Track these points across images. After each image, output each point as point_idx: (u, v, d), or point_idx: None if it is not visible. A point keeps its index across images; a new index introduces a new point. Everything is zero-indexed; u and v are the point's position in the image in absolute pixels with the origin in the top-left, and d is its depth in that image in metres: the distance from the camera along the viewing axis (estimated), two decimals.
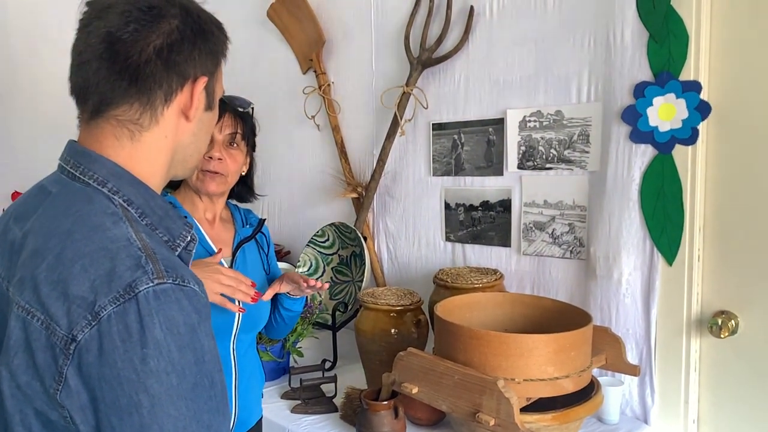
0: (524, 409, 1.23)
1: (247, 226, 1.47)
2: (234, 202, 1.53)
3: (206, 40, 0.77)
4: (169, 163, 0.79)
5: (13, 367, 0.64)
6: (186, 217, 1.32)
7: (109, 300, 0.61)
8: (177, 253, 0.75)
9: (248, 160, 1.45)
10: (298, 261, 2.19)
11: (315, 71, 2.27)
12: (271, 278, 1.51)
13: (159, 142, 0.76)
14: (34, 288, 0.64)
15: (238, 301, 1.28)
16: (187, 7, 0.76)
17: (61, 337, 0.62)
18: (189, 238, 0.77)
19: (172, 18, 0.73)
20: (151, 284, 0.63)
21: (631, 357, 1.55)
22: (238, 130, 1.37)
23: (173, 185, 1.42)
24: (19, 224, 0.74)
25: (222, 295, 1.25)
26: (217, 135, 1.35)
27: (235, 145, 1.37)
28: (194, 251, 0.79)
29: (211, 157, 1.33)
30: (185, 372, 0.62)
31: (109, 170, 0.73)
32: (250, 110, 1.41)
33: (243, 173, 1.44)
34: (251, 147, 1.45)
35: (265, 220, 1.53)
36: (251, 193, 1.52)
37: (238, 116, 1.38)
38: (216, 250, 1.36)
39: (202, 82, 0.77)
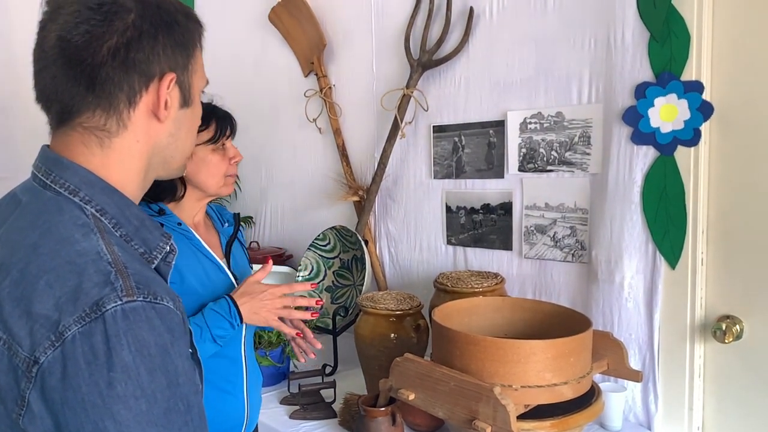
0: (523, 416, 1.21)
1: (226, 224, 1.47)
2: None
3: (170, 32, 0.71)
4: (147, 168, 0.74)
5: None
6: (181, 223, 1.31)
7: (74, 319, 0.58)
8: (154, 266, 0.71)
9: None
10: (300, 264, 2.18)
11: (316, 74, 2.27)
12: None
13: (131, 147, 0.72)
14: None
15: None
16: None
17: (23, 359, 0.58)
18: (167, 249, 0.73)
19: (127, 13, 0.68)
20: (120, 302, 0.59)
21: (634, 362, 1.52)
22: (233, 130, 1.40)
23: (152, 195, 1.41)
24: None
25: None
26: (226, 141, 1.37)
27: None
28: (174, 261, 0.75)
29: (236, 161, 1.37)
30: (156, 396, 0.58)
31: (82, 178, 0.69)
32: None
33: None
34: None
35: (239, 214, 1.53)
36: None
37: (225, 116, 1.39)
38: (215, 256, 1.35)
39: (169, 78, 0.71)
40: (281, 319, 1.33)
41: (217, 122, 1.33)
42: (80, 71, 0.67)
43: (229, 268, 1.38)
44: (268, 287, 1.30)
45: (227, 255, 1.40)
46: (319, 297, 1.38)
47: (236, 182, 1.57)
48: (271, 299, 1.29)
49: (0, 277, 0.62)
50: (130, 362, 0.57)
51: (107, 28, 0.67)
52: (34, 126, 2.38)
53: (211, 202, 1.49)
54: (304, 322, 1.39)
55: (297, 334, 1.35)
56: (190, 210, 1.36)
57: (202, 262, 1.32)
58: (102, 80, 0.68)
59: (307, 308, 1.41)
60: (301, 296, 1.37)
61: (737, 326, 1.40)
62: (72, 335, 0.57)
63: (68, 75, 0.67)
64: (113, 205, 0.69)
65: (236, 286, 1.36)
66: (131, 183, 0.73)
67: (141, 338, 0.59)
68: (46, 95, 0.70)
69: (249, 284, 1.31)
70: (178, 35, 0.72)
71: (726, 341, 1.40)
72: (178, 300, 0.66)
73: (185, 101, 0.76)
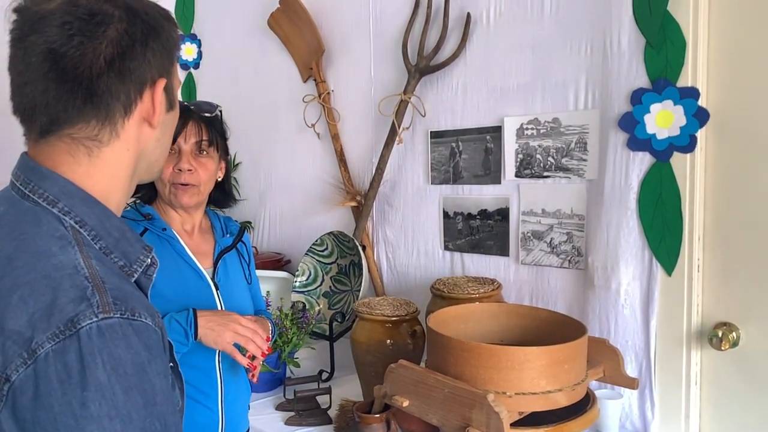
0: (517, 424, 1.20)
1: (228, 235, 1.45)
2: (213, 208, 1.51)
3: (158, 37, 0.71)
4: (132, 175, 0.74)
5: None
6: (166, 229, 1.30)
7: (48, 336, 0.56)
8: (134, 279, 0.69)
9: (223, 165, 1.43)
10: (297, 270, 2.18)
11: (315, 80, 2.27)
12: (253, 291, 1.49)
13: (120, 156, 0.71)
14: None
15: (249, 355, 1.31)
16: (130, 6, 0.69)
17: None
18: (148, 261, 0.71)
19: (119, 22, 0.67)
20: (96, 319, 0.57)
21: (631, 369, 1.51)
22: (204, 137, 1.34)
23: (146, 198, 1.39)
24: None
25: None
26: (183, 145, 1.31)
27: (204, 152, 1.34)
28: (156, 270, 0.73)
29: (180, 169, 1.30)
30: (132, 416, 0.56)
31: (61, 188, 0.67)
32: (219, 113, 1.37)
33: (219, 179, 1.42)
34: (223, 152, 1.42)
35: (245, 228, 1.51)
36: (229, 198, 1.50)
37: (204, 122, 1.34)
38: (197, 263, 1.34)
39: (161, 84, 0.71)
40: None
41: (186, 114, 1.29)
42: (77, 83, 0.65)
43: (213, 278, 1.37)
44: (236, 317, 1.28)
45: (216, 264, 1.38)
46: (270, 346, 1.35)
47: (235, 186, 1.55)
48: (232, 323, 1.26)
49: None
50: (105, 381, 0.56)
51: (101, 38, 0.66)
52: None
53: (209, 209, 1.48)
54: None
55: (249, 365, 1.31)
56: (175, 217, 1.35)
57: (180, 268, 1.30)
58: (100, 92, 0.67)
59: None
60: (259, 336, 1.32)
61: (734, 333, 1.40)
62: (45, 353, 0.55)
63: (62, 88, 0.66)
64: (93, 217, 0.68)
65: (216, 293, 1.34)
66: (117, 191, 0.72)
67: (117, 356, 0.57)
68: (30, 108, 0.67)
69: (222, 311, 1.30)
70: (164, 40, 0.72)
71: (722, 348, 1.39)
72: (158, 315, 0.64)
73: (170, 105, 0.76)
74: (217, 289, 1.36)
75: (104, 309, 0.58)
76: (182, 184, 1.32)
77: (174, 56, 0.75)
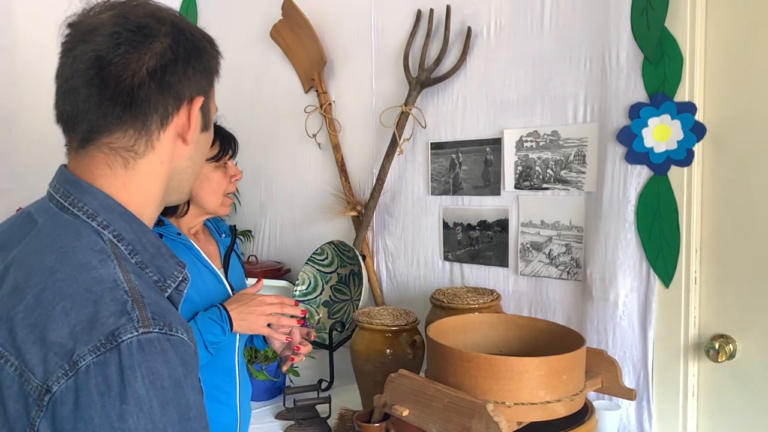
0: None
1: (223, 235, 1.49)
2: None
3: (200, 57, 0.74)
4: (165, 191, 0.75)
5: None
6: (180, 233, 1.33)
7: (89, 349, 0.57)
8: (167, 294, 0.70)
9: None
10: (297, 279, 2.19)
11: (317, 90, 2.29)
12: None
13: (155, 169, 0.72)
14: (9, 330, 0.60)
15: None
16: (178, 24, 0.72)
17: (35, 387, 0.57)
18: (181, 278, 0.72)
19: (164, 37, 0.70)
20: (136, 333, 0.58)
21: (629, 380, 1.53)
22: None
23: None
24: (1, 254, 0.69)
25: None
26: (228, 160, 1.39)
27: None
28: (190, 279, 0.74)
29: (235, 179, 1.39)
30: (167, 430, 0.58)
31: (100, 202, 0.68)
32: None
33: None
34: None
35: (235, 226, 1.55)
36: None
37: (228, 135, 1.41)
38: (213, 265, 1.37)
39: (199, 102, 0.74)
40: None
41: (222, 141, 1.35)
42: (118, 91, 0.68)
43: (226, 279, 1.39)
44: (257, 296, 1.34)
45: (225, 265, 1.42)
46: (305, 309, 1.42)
47: (236, 195, 1.59)
48: (259, 306, 1.31)
49: (14, 301, 0.62)
50: (143, 395, 0.57)
51: (146, 50, 0.68)
52: (37, 138, 2.40)
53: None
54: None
55: (287, 338, 1.37)
56: (186, 224, 1.38)
57: (201, 272, 1.34)
58: (139, 100, 0.68)
59: (293, 316, 1.42)
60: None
61: (730, 345, 1.41)
62: (86, 365, 0.56)
63: (104, 95, 0.68)
64: (130, 232, 0.69)
65: (232, 294, 1.39)
66: (150, 206, 0.73)
67: (155, 371, 0.58)
68: (73, 115, 0.69)
69: (239, 294, 1.34)
70: (205, 61, 0.75)
71: (719, 360, 1.41)
72: (191, 331, 0.65)
73: (205, 125, 0.78)
74: (232, 290, 1.40)
75: (144, 323, 0.59)
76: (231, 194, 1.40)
77: (213, 79, 0.77)
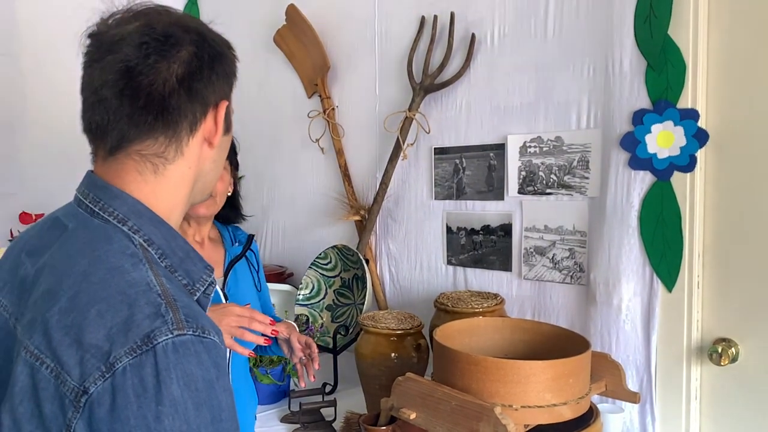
0: None
1: (237, 244, 1.48)
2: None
3: (222, 63, 0.76)
4: (190, 194, 0.76)
5: (18, 415, 0.60)
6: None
7: (126, 351, 0.58)
8: (196, 298, 0.71)
9: (232, 180, 1.46)
10: (301, 283, 2.20)
11: (320, 95, 2.31)
12: (263, 299, 1.51)
13: (183, 174, 0.74)
14: (44, 332, 0.60)
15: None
16: (201, 31, 0.74)
17: (72, 388, 0.58)
18: (209, 282, 0.74)
19: (189, 45, 0.71)
20: (171, 336, 0.59)
21: (632, 384, 1.54)
22: None
23: None
24: (31, 259, 0.70)
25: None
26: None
27: None
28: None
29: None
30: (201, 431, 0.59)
31: (131, 207, 0.70)
32: None
33: (229, 194, 1.44)
34: (234, 166, 1.45)
35: (254, 236, 1.53)
36: (238, 214, 1.52)
37: None
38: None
39: (224, 106, 0.76)
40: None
41: None
42: (149, 100, 0.69)
43: (222, 287, 1.38)
44: (228, 306, 1.26)
45: (227, 273, 1.41)
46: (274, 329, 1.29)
47: (238, 199, 1.57)
48: (225, 316, 1.24)
49: (48, 304, 0.62)
50: (179, 396, 0.58)
51: (174, 58, 0.70)
52: (40, 143, 2.41)
53: (224, 223, 1.50)
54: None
55: (250, 353, 1.31)
56: (187, 229, 1.38)
57: None
58: (171, 108, 0.70)
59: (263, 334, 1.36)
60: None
61: (733, 349, 1.42)
62: (123, 367, 0.57)
63: (136, 104, 0.69)
64: (160, 236, 0.70)
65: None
66: (176, 209, 0.75)
67: (189, 372, 0.59)
68: (103, 125, 0.71)
69: (223, 305, 1.28)
70: (226, 65, 0.77)
71: (722, 364, 1.42)
72: (221, 333, 0.66)
73: (227, 128, 0.79)
74: (226, 299, 1.38)
75: (178, 326, 0.60)
76: None
77: (233, 82, 0.79)
